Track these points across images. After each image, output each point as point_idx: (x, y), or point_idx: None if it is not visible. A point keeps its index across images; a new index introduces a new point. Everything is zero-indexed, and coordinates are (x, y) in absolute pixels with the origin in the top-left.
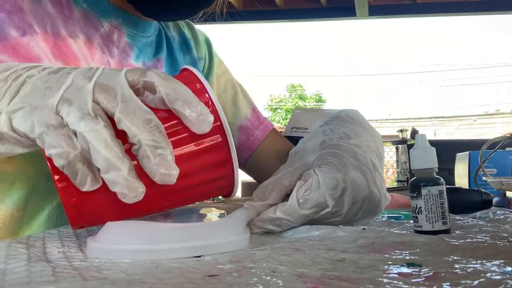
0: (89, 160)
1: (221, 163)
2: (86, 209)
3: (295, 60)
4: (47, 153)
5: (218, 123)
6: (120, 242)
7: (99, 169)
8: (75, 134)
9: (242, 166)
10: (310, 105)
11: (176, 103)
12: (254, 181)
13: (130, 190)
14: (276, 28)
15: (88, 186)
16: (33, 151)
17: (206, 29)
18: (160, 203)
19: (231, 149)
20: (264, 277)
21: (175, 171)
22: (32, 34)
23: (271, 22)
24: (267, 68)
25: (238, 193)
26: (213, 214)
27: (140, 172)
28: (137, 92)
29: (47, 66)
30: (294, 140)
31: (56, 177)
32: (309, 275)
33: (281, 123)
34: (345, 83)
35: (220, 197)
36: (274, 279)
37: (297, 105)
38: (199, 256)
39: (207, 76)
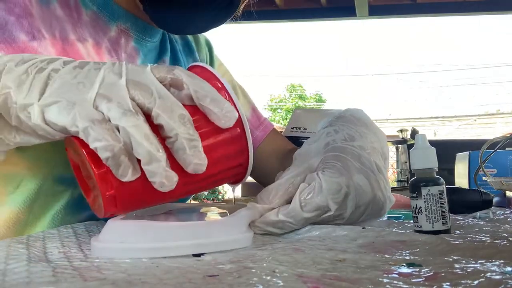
0: (130, 153)
1: (239, 152)
2: (122, 198)
3: (295, 60)
4: (92, 146)
5: (238, 116)
6: (125, 241)
7: (138, 161)
8: (117, 128)
9: None
10: (310, 105)
11: (205, 100)
12: (254, 181)
13: (168, 180)
14: (276, 28)
15: (129, 176)
16: (41, 154)
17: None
18: (186, 189)
19: (248, 139)
20: (264, 277)
21: (205, 161)
22: (41, 39)
23: (271, 22)
24: (267, 68)
25: (238, 193)
26: (215, 213)
27: (171, 162)
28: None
29: (67, 59)
30: (294, 140)
31: (96, 169)
32: (309, 275)
33: (281, 123)
34: (345, 83)
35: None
36: (274, 279)
37: (297, 105)
38: (199, 256)
39: None
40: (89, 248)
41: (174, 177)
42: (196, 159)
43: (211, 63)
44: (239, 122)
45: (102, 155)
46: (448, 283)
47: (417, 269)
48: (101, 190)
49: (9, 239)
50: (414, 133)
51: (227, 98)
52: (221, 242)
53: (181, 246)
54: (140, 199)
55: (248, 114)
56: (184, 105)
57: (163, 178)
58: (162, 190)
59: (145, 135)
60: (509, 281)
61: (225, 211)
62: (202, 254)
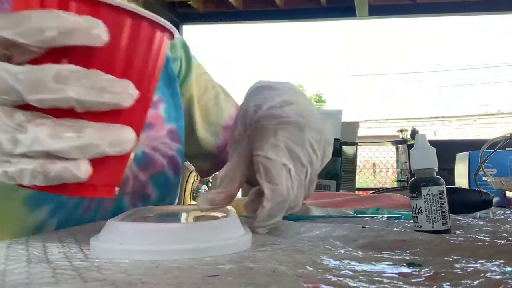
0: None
1: (141, 28)
2: (104, 178)
3: (295, 60)
4: (24, 183)
5: (100, 6)
6: (124, 243)
7: None
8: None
9: None
10: None
11: (53, 42)
12: None
13: (118, 144)
14: (276, 28)
15: (84, 173)
16: None
17: (207, 29)
18: (146, 107)
19: (133, 10)
20: (264, 277)
21: (124, 82)
22: None
23: (271, 22)
24: (267, 68)
25: (238, 194)
26: (212, 215)
27: (110, 114)
28: (6, 59)
29: None
30: None
31: (58, 189)
32: (309, 275)
33: None
34: (345, 83)
35: None
36: (274, 279)
37: None
38: None
39: (185, 77)
40: (89, 248)
41: (126, 134)
42: (119, 95)
43: (188, 62)
44: (108, 8)
45: (38, 183)
46: (448, 283)
47: (417, 269)
48: (87, 196)
49: (8, 240)
50: (414, 133)
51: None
52: (221, 246)
53: (179, 250)
54: (118, 163)
55: (233, 112)
56: (44, 56)
57: (114, 147)
58: (126, 150)
59: (50, 135)
60: (509, 281)
61: (223, 214)
62: None
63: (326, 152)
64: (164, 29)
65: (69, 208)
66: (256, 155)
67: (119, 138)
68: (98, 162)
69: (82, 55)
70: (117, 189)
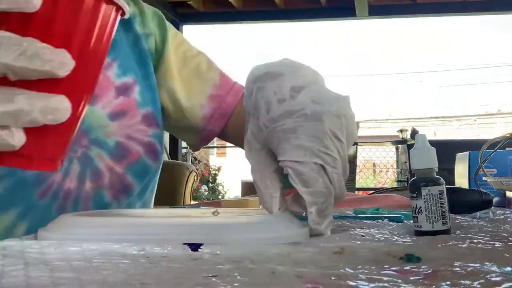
0: None
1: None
2: (41, 151)
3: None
4: None
5: None
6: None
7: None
8: None
9: (221, 134)
10: None
11: None
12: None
13: (51, 112)
14: (276, 28)
15: (17, 141)
16: None
17: (207, 29)
18: (91, 80)
19: None
20: (263, 277)
21: (59, 51)
22: None
23: (271, 22)
24: None
25: (238, 193)
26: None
27: (46, 84)
28: None
29: None
30: None
31: None
32: (308, 275)
33: None
34: (345, 83)
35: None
36: (274, 279)
37: None
38: (197, 250)
39: (162, 51)
40: (88, 248)
41: (58, 102)
42: (51, 64)
43: (163, 34)
44: None
45: None
46: (448, 283)
47: (417, 269)
48: (23, 168)
49: (6, 241)
50: (414, 133)
51: None
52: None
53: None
54: (57, 135)
55: (216, 80)
56: None
57: (46, 115)
58: (59, 119)
59: None
60: (509, 281)
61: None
62: (200, 247)
63: (351, 134)
64: (112, 2)
65: (39, 210)
66: (283, 160)
67: (52, 106)
68: (34, 133)
69: (18, 23)
70: (60, 162)
